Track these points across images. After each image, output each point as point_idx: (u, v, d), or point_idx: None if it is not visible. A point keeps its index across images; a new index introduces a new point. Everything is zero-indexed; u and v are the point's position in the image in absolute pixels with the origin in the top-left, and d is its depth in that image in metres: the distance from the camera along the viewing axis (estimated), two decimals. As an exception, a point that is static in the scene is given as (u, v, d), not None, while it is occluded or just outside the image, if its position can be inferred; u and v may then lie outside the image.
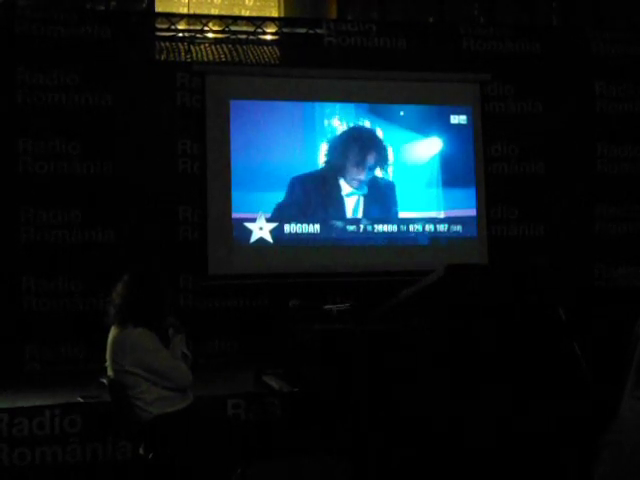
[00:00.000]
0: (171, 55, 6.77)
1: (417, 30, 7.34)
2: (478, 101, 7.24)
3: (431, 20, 7.89)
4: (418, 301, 3.27)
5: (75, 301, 6.32)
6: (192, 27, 6.99)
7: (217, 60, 6.91)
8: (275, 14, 7.83)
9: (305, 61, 7.04)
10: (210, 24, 7.00)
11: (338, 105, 6.97)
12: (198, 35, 6.94)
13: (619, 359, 2.44)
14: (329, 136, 6.90)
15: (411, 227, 6.98)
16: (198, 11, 7.51)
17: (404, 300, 3.30)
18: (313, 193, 6.82)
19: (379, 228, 6.92)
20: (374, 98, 7.04)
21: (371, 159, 6.92)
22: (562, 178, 7.31)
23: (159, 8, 7.41)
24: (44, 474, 4.53)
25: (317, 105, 6.96)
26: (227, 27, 7.00)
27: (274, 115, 6.81)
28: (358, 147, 6.89)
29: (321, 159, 6.86)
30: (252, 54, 6.99)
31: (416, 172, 7.04)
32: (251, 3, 7.91)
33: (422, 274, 3.50)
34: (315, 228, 6.78)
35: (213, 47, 6.93)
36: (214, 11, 7.64)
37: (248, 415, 4.78)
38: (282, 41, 7.16)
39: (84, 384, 4.96)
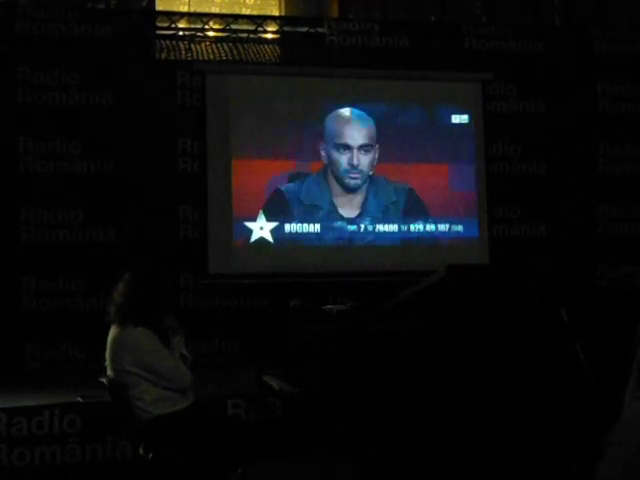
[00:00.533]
0: (172, 54, 6.77)
1: (419, 29, 7.35)
2: (480, 100, 7.24)
3: (433, 19, 7.88)
4: (419, 301, 3.26)
5: (75, 301, 6.32)
6: (193, 26, 6.99)
7: (218, 59, 6.91)
8: (276, 13, 7.82)
9: (306, 60, 7.04)
10: (211, 23, 6.99)
11: (339, 104, 6.95)
12: (199, 34, 6.94)
13: (621, 360, 2.43)
14: (329, 134, 6.88)
15: (412, 227, 6.97)
16: (199, 9, 7.51)
17: (405, 300, 3.29)
18: (313, 191, 6.80)
19: (380, 228, 6.90)
20: (375, 97, 7.02)
21: (372, 158, 6.90)
22: (564, 178, 7.30)
23: (160, 6, 7.41)
24: (43, 474, 4.52)
25: (318, 104, 6.93)
26: (228, 26, 6.99)
27: (275, 114, 6.80)
28: (359, 145, 6.86)
29: (321, 157, 6.83)
30: (253, 53, 6.99)
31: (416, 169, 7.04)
32: (252, 2, 7.90)
33: (423, 274, 3.49)
34: (316, 228, 6.77)
35: (214, 46, 6.93)
36: (215, 9, 7.63)
37: (248, 415, 4.77)
38: (283, 40, 7.15)
39: (84, 384, 4.95)
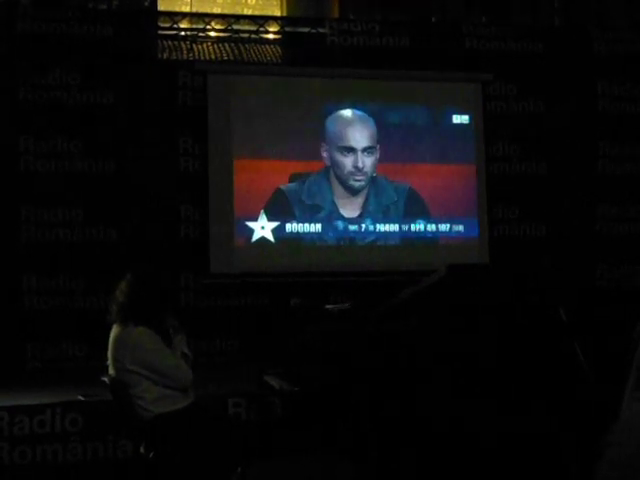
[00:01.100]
0: (173, 54, 6.78)
1: (419, 29, 7.34)
2: (480, 101, 7.24)
3: (433, 19, 7.88)
4: (419, 301, 3.27)
5: (76, 300, 6.33)
6: (194, 26, 6.99)
7: (219, 59, 6.92)
8: (278, 13, 7.83)
9: (307, 60, 7.03)
10: (212, 23, 7.00)
11: (340, 104, 6.96)
12: (200, 34, 6.94)
13: (620, 360, 2.44)
14: (332, 136, 6.88)
15: (413, 227, 6.98)
16: (201, 10, 7.52)
17: (405, 300, 3.30)
18: (315, 191, 6.81)
19: (380, 228, 6.91)
20: (376, 97, 7.03)
21: (375, 159, 6.91)
22: (564, 178, 7.30)
23: (161, 6, 7.41)
24: (45, 473, 4.53)
25: (319, 104, 6.94)
26: (229, 26, 7.00)
27: (276, 114, 6.81)
28: (362, 148, 6.88)
29: (323, 158, 6.84)
30: (254, 53, 7.00)
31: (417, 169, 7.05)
32: (253, 2, 7.92)
33: (423, 274, 3.50)
34: (317, 227, 6.78)
35: (215, 46, 6.94)
36: (216, 10, 7.65)
37: (249, 414, 4.78)
38: (284, 40, 7.16)
39: (85, 382, 4.95)
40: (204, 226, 6.61)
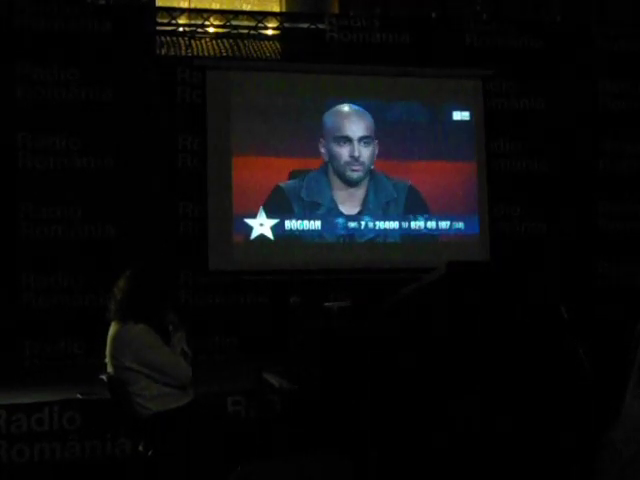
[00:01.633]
0: (172, 50, 6.78)
1: (419, 26, 7.32)
2: (481, 97, 7.23)
3: (434, 15, 7.85)
4: (420, 298, 3.25)
5: (75, 297, 6.31)
6: (193, 22, 6.98)
7: (218, 55, 6.91)
8: (276, 9, 7.82)
9: (307, 56, 7.03)
10: (211, 19, 6.99)
11: (340, 100, 6.94)
12: (199, 30, 6.93)
13: (621, 358, 2.42)
14: (329, 129, 6.86)
15: (413, 224, 6.96)
16: (199, 5, 7.51)
17: (406, 297, 3.28)
18: (314, 188, 6.79)
19: (380, 225, 6.89)
20: (376, 93, 7.02)
21: (372, 151, 6.89)
22: (565, 175, 7.29)
23: (160, 2, 7.38)
24: (43, 471, 4.52)
25: (318, 100, 6.92)
26: (228, 22, 6.99)
27: (275, 110, 6.79)
28: (359, 137, 6.85)
29: (322, 154, 6.82)
30: (253, 49, 6.99)
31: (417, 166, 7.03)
32: (252, -3, 7.90)
33: (424, 271, 3.48)
34: (316, 224, 6.76)
35: (214, 42, 6.93)
36: (215, 5, 7.64)
37: (248, 412, 4.77)
38: (283, 36, 7.14)
39: (83, 380, 4.93)
40: (203, 223, 6.60)
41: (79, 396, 4.73)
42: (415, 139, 7.03)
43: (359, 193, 6.86)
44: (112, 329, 3.69)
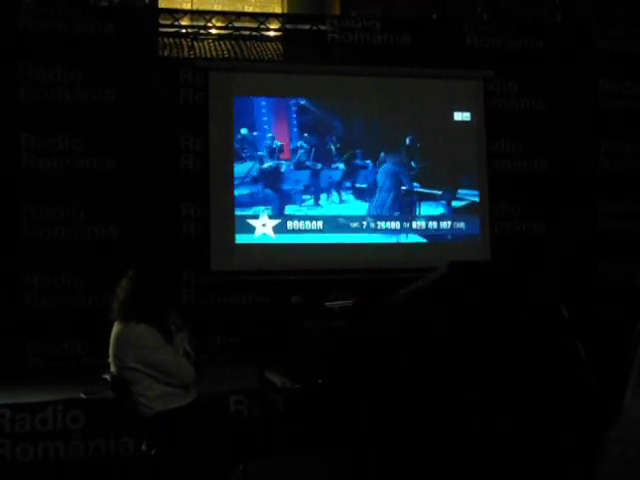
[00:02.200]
0: (174, 51, 6.79)
1: (420, 27, 7.33)
2: (481, 98, 7.24)
3: (434, 17, 7.86)
4: (420, 298, 3.26)
5: (77, 297, 6.33)
6: (195, 23, 6.99)
7: (220, 56, 6.92)
8: (278, 10, 7.83)
9: (308, 58, 7.03)
10: (213, 20, 7.00)
11: (341, 100, 6.96)
12: (201, 31, 6.94)
13: (621, 357, 2.44)
14: (332, 132, 6.89)
15: (414, 224, 6.98)
16: (201, 7, 7.52)
17: (406, 297, 3.30)
18: (315, 187, 6.82)
19: (382, 225, 6.91)
20: (377, 94, 7.03)
21: (376, 155, 6.92)
22: (565, 175, 7.30)
23: (162, 4, 7.41)
24: (47, 470, 4.54)
25: (320, 101, 6.94)
26: (230, 23, 7.00)
27: (277, 111, 6.81)
28: (362, 143, 6.88)
29: (324, 155, 6.85)
30: (255, 50, 7.00)
31: (419, 168, 7.05)
32: (254, -1, 7.91)
33: (425, 271, 3.49)
34: (318, 225, 6.78)
35: (216, 43, 6.94)
36: (217, 7, 7.65)
37: (250, 412, 4.78)
38: (285, 37, 7.16)
39: (87, 380, 4.96)
40: (205, 224, 6.61)
41: (82, 396, 4.75)
42: (416, 140, 7.04)
43: (361, 194, 6.88)
44: (115, 329, 3.70)
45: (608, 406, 2.39)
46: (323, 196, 6.83)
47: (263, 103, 6.82)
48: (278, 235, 6.70)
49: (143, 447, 3.69)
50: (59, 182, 6.37)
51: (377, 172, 6.93)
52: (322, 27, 7.06)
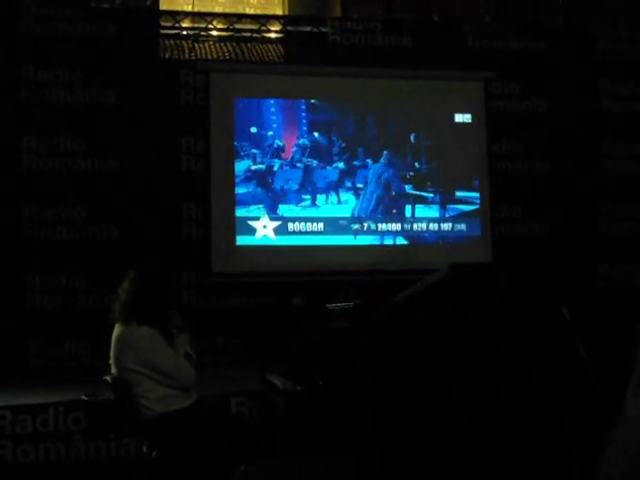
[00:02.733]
0: (175, 53, 6.79)
1: (422, 28, 7.33)
2: (483, 99, 7.24)
3: (436, 18, 7.86)
4: (422, 300, 3.27)
5: (79, 298, 6.33)
6: (196, 25, 6.99)
7: (221, 58, 6.93)
8: (279, 12, 7.82)
9: (309, 59, 7.04)
10: (214, 22, 7.00)
11: (342, 102, 6.96)
12: (202, 33, 6.94)
13: (623, 358, 2.43)
14: (335, 133, 6.89)
15: (415, 226, 6.98)
16: (202, 9, 7.50)
17: (408, 299, 3.30)
18: (312, 187, 6.82)
19: (383, 227, 6.91)
20: (378, 96, 7.03)
21: (377, 156, 6.92)
22: (567, 177, 7.30)
23: (163, 6, 7.40)
24: (47, 471, 4.54)
25: (321, 102, 6.94)
26: (231, 25, 7.00)
27: (278, 112, 6.82)
28: (362, 145, 6.88)
29: (321, 154, 6.85)
30: (256, 52, 7.00)
31: (421, 170, 7.05)
32: (255, 1, 7.90)
33: (426, 273, 3.49)
34: (319, 226, 6.78)
35: (217, 45, 6.94)
36: (218, 9, 7.63)
37: (252, 413, 4.78)
38: (286, 39, 7.16)
39: (88, 382, 4.96)
40: (206, 225, 6.61)
41: (84, 397, 4.75)
42: (417, 141, 7.04)
43: (362, 195, 6.88)
44: (116, 331, 3.69)
45: (609, 407, 2.39)
46: (321, 197, 6.82)
47: (271, 102, 6.82)
48: (279, 237, 6.70)
49: (144, 449, 3.69)
50: (61, 183, 6.38)
51: (378, 173, 6.92)
52: (323, 29, 7.06)
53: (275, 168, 6.76)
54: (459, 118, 7.17)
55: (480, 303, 3.20)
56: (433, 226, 7.00)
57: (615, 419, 2.18)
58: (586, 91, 7.45)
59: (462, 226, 7.06)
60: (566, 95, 7.34)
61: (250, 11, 7.80)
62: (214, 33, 7.00)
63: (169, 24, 6.85)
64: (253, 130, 6.77)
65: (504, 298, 3.28)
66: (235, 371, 5.91)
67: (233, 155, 6.71)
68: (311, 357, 3.91)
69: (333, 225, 6.81)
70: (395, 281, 5.62)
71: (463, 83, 7.25)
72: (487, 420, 3.10)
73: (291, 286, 6.30)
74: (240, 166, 6.71)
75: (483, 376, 3.12)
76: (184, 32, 6.90)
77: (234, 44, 6.95)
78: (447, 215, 7.04)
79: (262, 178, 6.73)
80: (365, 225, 6.88)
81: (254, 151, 6.74)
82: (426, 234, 7.00)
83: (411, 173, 7.03)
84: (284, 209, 6.74)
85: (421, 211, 6.99)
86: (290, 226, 6.73)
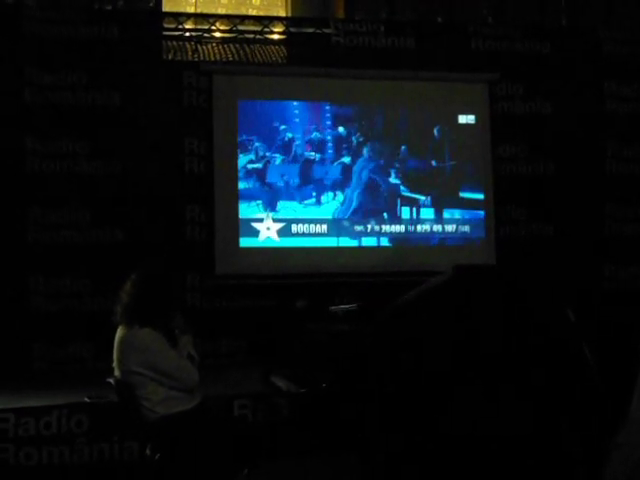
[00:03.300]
0: (178, 54, 6.79)
1: (425, 30, 7.33)
2: (487, 101, 7.22)
3: (439, 20, 7.85)
4: (426, 302, 3.26)
5: (83, 301, 6.34)
6: (199, 26, 6.99)
7: (224, 59, 6.92)
8: (282, 13, 7.82)
9: (312, 61, 7.03)
10: (217, 23, 7.00)
11: (345, 104, 6.96)
12: (205, 34, 6.94)
13: (628, 360, 2.42)
14: (336, 134, 6.88)
15: (419, 227, 6.97)
16: (205, 10, 7.50)
17: (412, 301, 3.29)
18: (315, 184, 6.81)
19: (387, 228, 6.90)
20: (382, 98, 7.03)
21: (379, 157, 6.91)
22: (571, 178, 7.27)
23: (166, 7, 7.40)
24: (51, 474, 4.54)
25: (324, 104, 6.94)
26: (234, 26, 7.00)
27: (281, 114, 6.81)
28: (363, 146, 6.87)
29: (327, 158, 6.84)
30: (259, 53, 7.00)
31: (425, 171, 7.04)
32: (258, 2, 7.89)
33: (430, 275, 3.48)
34: (322, 228, 6.77)
35: (220, 46, 6.94)
36: (221, 10, 7.63)
37: (255, 415, 4.77)
38: (289, 41, 7.15)
39: (91, 384, 4.96)
40: (209, 227, 6.61)
41: (87, 400, 4.75)
42: (421, 143, 7.04)
43: (364, 196, 6.88)
44: (119, 333, 3.69)
45: (615, 410, 2.38)
46: (325, 195, 6.80)
47: (274, 103, 6.83)
48: (282, 238, 6.69)
49: (147, 451, 3.68)
50: (64, 185, 6.38)
51: (382, 174, 6.91)
52: (326, 30, 7.06)
53: (274, 163, 6.74)
54: (463, 120, 7.16)
55: (484, 305, 3.18)
56: (437, 228, 6.99)
57: (620, 422, 2.17)
58: (591, 92, 7.43)
59: (466, 228, 7.05)
60: (571, 97, 7.33)
61: (253, 13, 7.80)
62: (217, 35, 7.00)
63: (172, 26, 6.85)
64: (257, 128, 6.76)
65: (508, 300, 3.27)
66: (238, 373, 5.91)
67: (236, 157, 6.70)
68: (315, 359, 3.90)
69: (337, 227, 6.80)
70: (399, 283, 5.62)
71: (467, 85, 7.24)
72: (492, 422, 3.09)
73: (295, 288, 6.29)
74: (240, 162, 6.69)
75: (487, 378, 3.11)
76: (187, 34, 6.90)
77: (237, 46, 6.95)
78: (451, 217, 7.03)
79: (258, 173, 6.72)
80: (369, 227, 6.86)
81: (257, 145, 6.72)
82: (430, 236, 6.99)
83: (415, 175, 7.01)
84: (285, 205, 6.73)
85: (425, 213, 6.98)
86: (294, 228, 6.72)
